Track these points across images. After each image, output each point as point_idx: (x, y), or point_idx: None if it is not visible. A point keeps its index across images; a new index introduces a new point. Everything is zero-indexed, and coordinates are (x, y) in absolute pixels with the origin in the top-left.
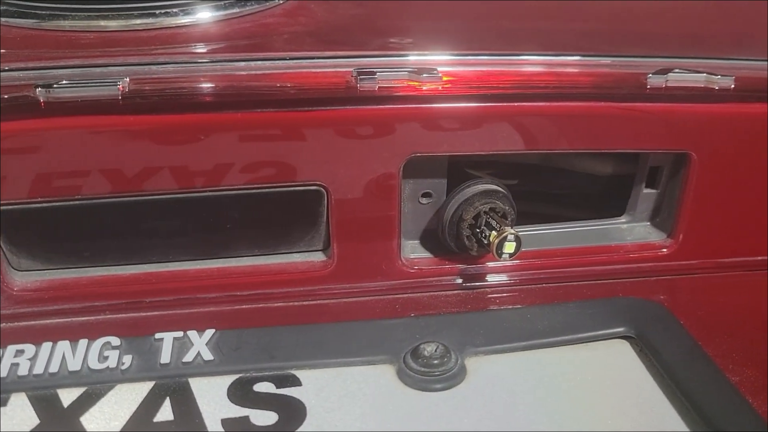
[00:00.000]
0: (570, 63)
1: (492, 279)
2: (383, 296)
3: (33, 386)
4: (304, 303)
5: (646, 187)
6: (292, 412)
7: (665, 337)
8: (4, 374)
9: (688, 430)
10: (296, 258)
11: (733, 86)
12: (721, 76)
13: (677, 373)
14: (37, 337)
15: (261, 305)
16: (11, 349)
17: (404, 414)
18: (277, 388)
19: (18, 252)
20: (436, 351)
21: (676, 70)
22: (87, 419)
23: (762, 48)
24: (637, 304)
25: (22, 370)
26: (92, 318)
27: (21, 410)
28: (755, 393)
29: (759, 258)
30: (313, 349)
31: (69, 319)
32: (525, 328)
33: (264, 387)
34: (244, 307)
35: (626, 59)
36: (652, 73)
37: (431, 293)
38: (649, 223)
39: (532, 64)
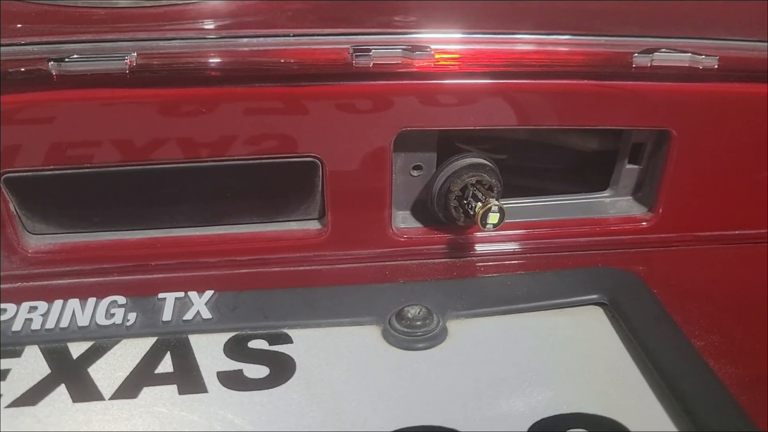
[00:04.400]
0: (561, 42)
1: (478, 249)
2: (374, 263)
3: (45, 339)
4: (299, 268)
5: (629, 162)
6: (282, 367)
7: (635, 304)
8: (18, 328)
9: (648, 387)
10: (293, 226)
11: (716, 66)
12: (706, 56)
13: (643, 337)
14: (49, 295)
15: (258, 270)
16: (25, 305)
17: (387, 370)
18: (269, 345)
19: (32, 216)
20: (419, 313)
21: (662, 50)
22: (94, 369)
23: (749, 28)
24: (612, 273)
25: (35, 325)
26: (101, 279)
27: (34, 361)
28: (717, 357)
29: (735, 232)
30: (304, 310)
31: (79, 280)
32: (504, 293)
33: (258, 344)
34: (242, 271)
35: (615, 38)
36: (638, 53)
37: (419, 261)
38: (631, 198)
39: (524, 42)
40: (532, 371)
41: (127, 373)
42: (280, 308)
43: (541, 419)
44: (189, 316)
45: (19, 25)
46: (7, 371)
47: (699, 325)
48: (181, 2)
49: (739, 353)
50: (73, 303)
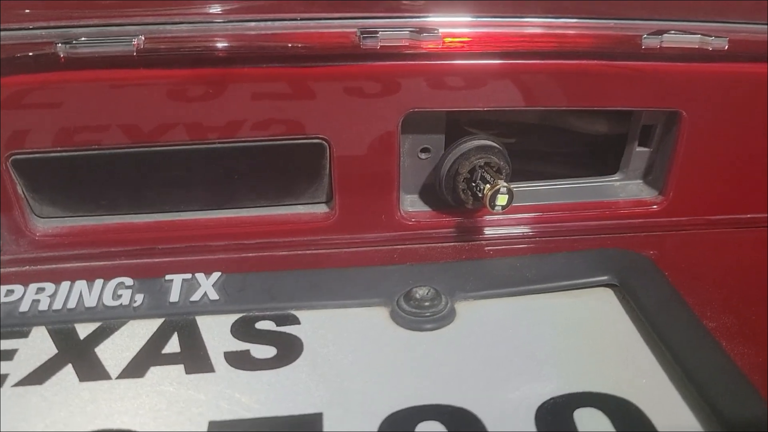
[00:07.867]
0: (570, 25)
1: (487, 232)
2: (382, 247)
3: (52, 320)
4: (307, 252)
5: (639, 145)
6: (289, 347)
7: (646, 285)
8: (25, 309)
9: (660, 367)
10: (300, 209)
11: (726, 47)
12: (715, 37)
13: (654, 318)
14: (56, 279)
15: (266, 253)
16: (33, 287)
17: (395, 350)
18: (277, 326)
19: (40, 199)
20: (427, 294)
21: (672, 32)
22: (101, 350)
23: (756, 13)
24: (622, 255)
25: (43, 306)
26: (108, 263)
27: (41, 341)
28: (729, 338)
29: (747, 216)
30: (312, 291)
31: (86, 263)
32: (514, 275)
33: (265, 325)
34: (250, 255)
35: (624, 22)
36: (648, 35)
37: (428, 245)
38: (641, 181)
39: (534, 26)
40: (541, 351)
41: (134, 353)
42: (288, 290)
43: (551, 398)
44: (196, 297)
45: (27, 11)
46: (15, 351)
47: (711, 307)
48: None
49: (752, 335)
50: (81, 284)
